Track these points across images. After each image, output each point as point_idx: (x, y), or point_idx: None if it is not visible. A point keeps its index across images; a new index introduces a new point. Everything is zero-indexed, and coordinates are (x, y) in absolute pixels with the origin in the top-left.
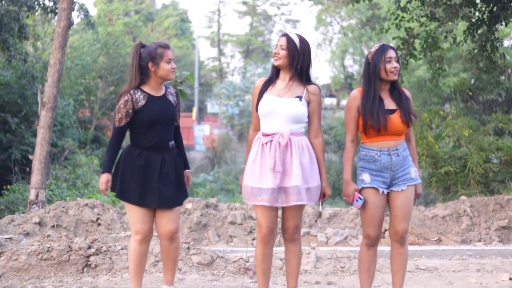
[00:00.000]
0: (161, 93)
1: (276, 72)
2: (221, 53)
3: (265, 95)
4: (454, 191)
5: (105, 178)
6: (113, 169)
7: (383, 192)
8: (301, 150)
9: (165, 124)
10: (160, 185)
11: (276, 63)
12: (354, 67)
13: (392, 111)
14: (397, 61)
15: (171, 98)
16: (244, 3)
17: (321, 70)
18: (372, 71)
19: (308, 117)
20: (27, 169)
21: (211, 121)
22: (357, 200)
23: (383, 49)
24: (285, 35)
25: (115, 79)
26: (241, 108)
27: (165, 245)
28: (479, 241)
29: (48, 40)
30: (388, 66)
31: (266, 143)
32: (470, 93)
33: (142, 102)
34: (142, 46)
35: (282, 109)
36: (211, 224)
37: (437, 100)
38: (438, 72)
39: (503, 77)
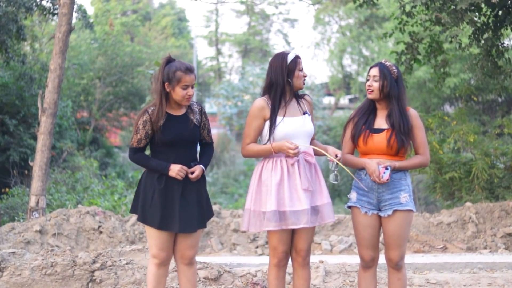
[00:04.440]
0: (181, 111)
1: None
2: (219, 52)
3: (279, 118)
4: (458, 197)
5: (177, 166)
6: (135, 190)
7: (366, 213)
8: (318, 167)
9: (185, 144)
10: (181, 208)
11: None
12: (353, 67)
13: (379, 130)
14: (378, 80)
15: (194, 116)
16: (242, 2)
17: (319, 70)
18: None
19: None
20: (26, 171)
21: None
22: (384, 172)
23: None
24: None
25: (113, 80)
26: (240, 108)
27: (183, 270)
28: (485, 248)
29: (46, 40)
30: (367, 84)
31: (293, 164)
32: (475, 99)
33: (161, 122)
34: (169, 60)
35: (301, 128)
36: (214, 231)
37: (437, 101)
38: (443, 77)
39: (506, 80)
